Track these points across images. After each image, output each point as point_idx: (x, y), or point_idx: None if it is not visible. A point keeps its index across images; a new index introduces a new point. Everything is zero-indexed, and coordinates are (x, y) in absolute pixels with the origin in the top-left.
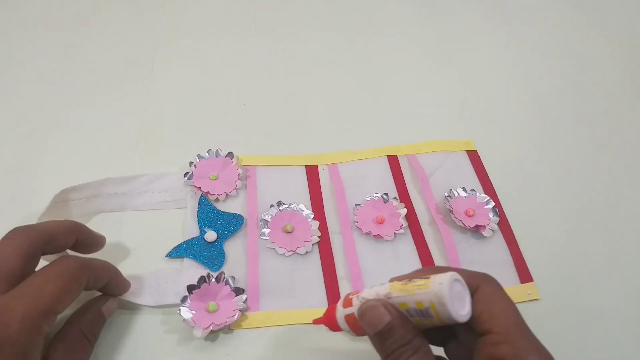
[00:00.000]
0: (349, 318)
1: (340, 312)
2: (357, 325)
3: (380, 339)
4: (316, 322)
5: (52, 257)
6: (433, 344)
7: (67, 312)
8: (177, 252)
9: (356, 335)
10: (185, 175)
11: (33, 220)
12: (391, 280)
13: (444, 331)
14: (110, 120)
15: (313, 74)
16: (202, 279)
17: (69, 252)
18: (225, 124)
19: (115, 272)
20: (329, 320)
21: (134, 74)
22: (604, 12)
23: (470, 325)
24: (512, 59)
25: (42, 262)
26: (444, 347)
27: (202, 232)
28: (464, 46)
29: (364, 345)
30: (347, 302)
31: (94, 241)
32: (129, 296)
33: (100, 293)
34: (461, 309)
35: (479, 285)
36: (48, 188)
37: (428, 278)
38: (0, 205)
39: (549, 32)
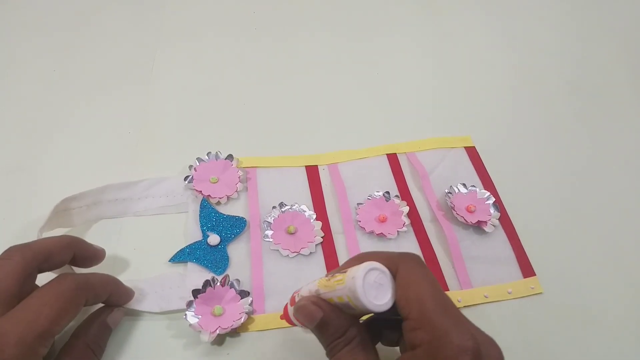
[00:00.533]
0: (295, 316)
1: (290, 310)
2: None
3: (318, 332)
4: (281, 318)
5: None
6: (389, 345)
7: (73, 324)
8: (180, 257)
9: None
10: (185, 179)
11: (33, 223)
12: (322, 277)
13: (398, 328)
14: (110, 121)
15: (312, 74)
16: (206, 283)
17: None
18: (224, 125)
19: (116, 284)
20: (285, 318)
21: (134, 74)
22: (604, 12)
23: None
24: (508, 57)
25: (47, 276)
26: (399, 346)
27: (205, 236)
28: (461, 45)
29: None
30: (292, 301)
31: (92, 255)
32: (133, 304)
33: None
34: (378, 299)
35: (398, 268)
36: (48, 188)
37: (345, 272)
38: (0, 206)
39: (547, 31)
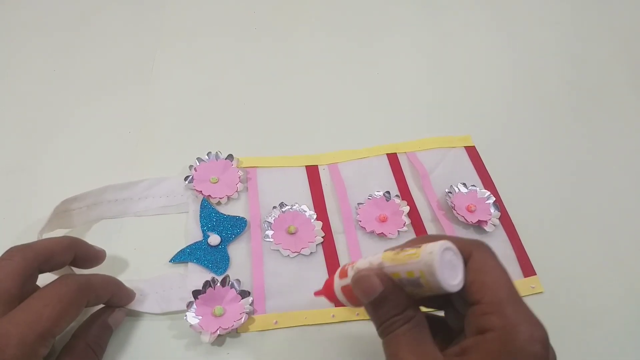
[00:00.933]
0: (344, 289)
1: (337, 283)
2: (353, 296)
3: (373, 308)
4: (317, 294)
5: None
6: (433, 307)
7: (74, 324)
8: (181, 257)
9: (353, 306)
10: (185, 179)
11: (33, 223)
12: (385, 251)
13: (442, 298)
14: (110, 121)
15: (312, 74)
16: (207, 284)
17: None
18: (224, 125)
19: (118, 286)
20: (327, 292)
21: (134, 74)
22: (604, 12)
23: (463, 294)
24: (508, 56)
25: (48, 277)
26: (444, 312)
27: (206, 236)
28: (461, 45)
29: (370, 347)
30: (343, 273)
31: (93, 256)
32: (134, 304)
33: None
34: (452, 279)
35: (472, 253)
36: (48, 188)
37: (419, 247)
38: (0, 206)
39: (547, 31)
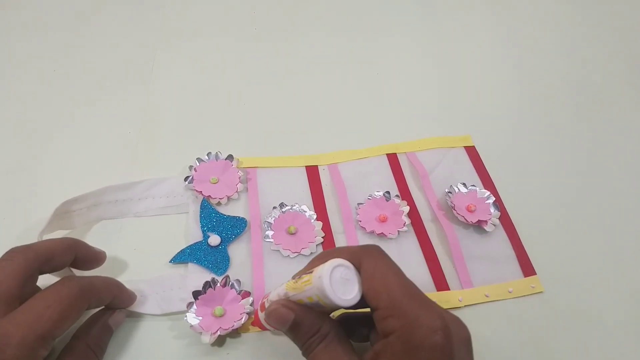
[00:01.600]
0: (267, 321)
1: (261, 316)
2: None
3: (291, 334)
4: (253, 324)
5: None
6: (360, 341)
7: (74, 325)
8: (181, 258)
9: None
10: (185, 179)
11: (34, 223)
12: (288, 281)
13: (368, 323)
14: (110, 121)
15: (312, 74)
16: (207, 284)
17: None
18: (224, 125)
19: (119, 288)
20: (257, 324)
21: (134, 74)
22: (604, 12)
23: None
24: (508, 56)
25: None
26: (370, 340)
27: (206, 237)
28: (461, 45)
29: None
30: (262, 307)
31: (93, 258)
32: (134, 306)
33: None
34: (347, 294)
35: (361, 262)
36: (48, 189)
37: (311, 272)
38: (0, 206)
39: (547, 31)
